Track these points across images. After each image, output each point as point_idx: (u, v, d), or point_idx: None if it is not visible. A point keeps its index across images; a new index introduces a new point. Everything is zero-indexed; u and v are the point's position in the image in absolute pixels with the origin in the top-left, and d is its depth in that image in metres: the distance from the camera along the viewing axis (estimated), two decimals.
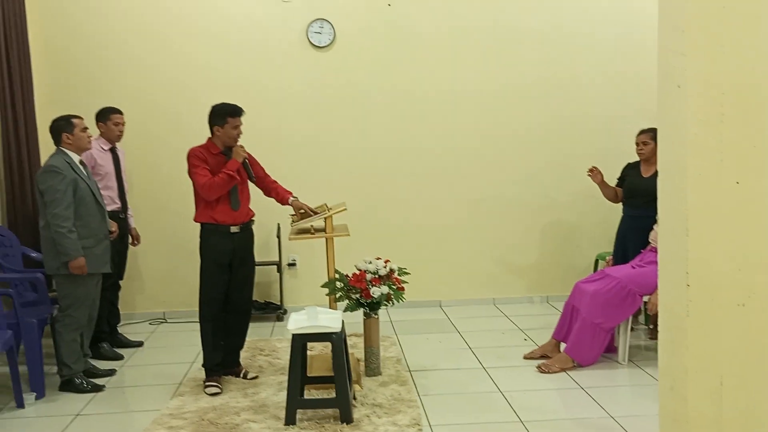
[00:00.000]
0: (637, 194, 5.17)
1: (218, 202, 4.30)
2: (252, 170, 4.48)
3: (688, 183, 2.32)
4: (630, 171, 5.36)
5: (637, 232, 5.11)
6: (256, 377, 4.57)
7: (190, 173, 4.30)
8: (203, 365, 4.44)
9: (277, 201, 4.64)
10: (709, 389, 2.39)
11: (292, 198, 4.57)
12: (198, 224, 4.41)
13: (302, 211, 4.51)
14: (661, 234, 2.56)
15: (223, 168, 4.27)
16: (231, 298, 4.44)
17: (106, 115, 5.23)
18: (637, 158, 5.29)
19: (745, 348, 2.37)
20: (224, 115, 4.32)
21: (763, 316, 2.35)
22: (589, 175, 5.36)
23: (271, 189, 4.63)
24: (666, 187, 2.50)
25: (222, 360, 4.46)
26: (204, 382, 4.40)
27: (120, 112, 5.28)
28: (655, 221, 4.32)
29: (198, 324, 4.43)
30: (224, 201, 4.32)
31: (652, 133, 5.01)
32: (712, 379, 2.38)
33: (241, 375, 4.57)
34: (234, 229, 4.36)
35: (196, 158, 4.30)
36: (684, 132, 2.32)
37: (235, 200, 4.35)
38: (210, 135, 4.39)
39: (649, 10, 5.33)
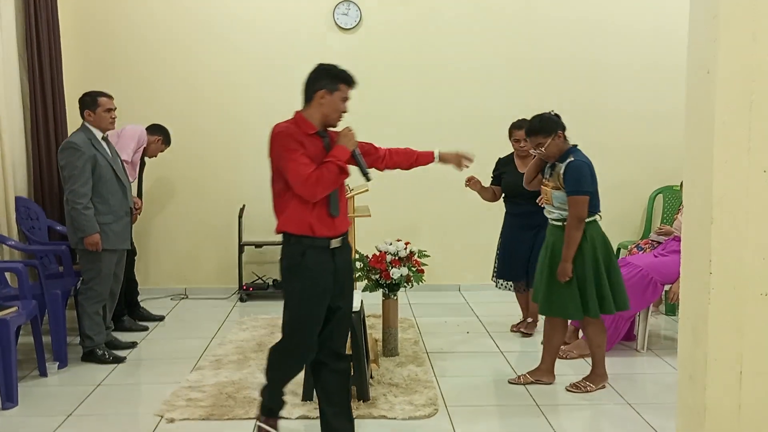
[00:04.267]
0: (518, 192, 4.68)
1: (314, 205, 3.08)
2: (364, 162, 3.26)
3: (715, 171, 2.29)
4: (506, 168, 4.95)
5: (526, 230, 4.82)
6: None
7: (283, 158, 3.02)
8: (263, 404, 3.35)
9: (422, 165, 3.56)
10: (728, 379, 2.37)
11: (437, 153, 3.53)
12: (279, 235, 3.16)
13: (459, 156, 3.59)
14: (686, 222, 2.54)
15: (328, 156, 3.08)
16: (325, 343, 3.22)
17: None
18: (507, 153, 4.98)
19: (767, 338, 2.34)
20: (337, 80, 3.13)
21: None
22: (468, 186, 4.84)
23: (401, 158, 3.50)
24: (691, 174, 2.47)
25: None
26: (260, 420, 3.36)
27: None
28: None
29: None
30: (321, 204, 3.09)
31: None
32: (732, 369, 2.36)
33: None
34: (335, 243, 3.15)
35: (292, 140, 3.03)
36: (712, 119, 2.29)
37: (335, 203, 3.13)
38: (303, 106, 3.17)
39: None
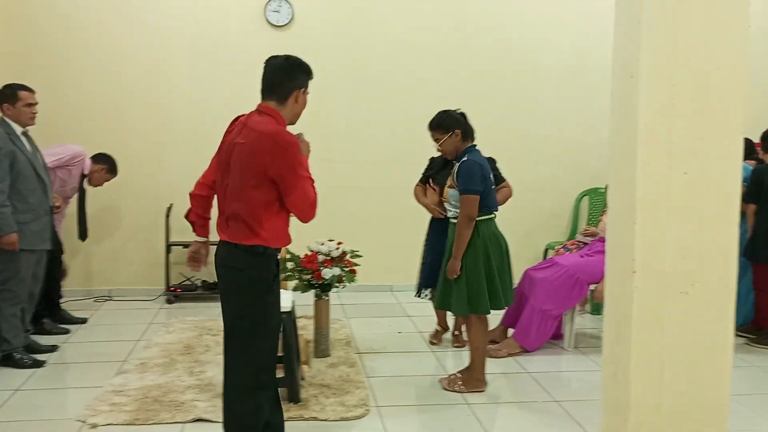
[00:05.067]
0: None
1: (289, 218, 2.94)
2: None
3: (638, 172, 2.36)
4: (439, 171, 4.67)
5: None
6: None
7: (294, 174, 2.76)
8: None
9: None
10: (651, 376, 2.44)
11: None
12: (244, 246, 2.80)
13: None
14: (610, 222, 2.60)
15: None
16: None
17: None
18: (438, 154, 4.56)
19: (688, 336, 2.42)
20: (309, 77, 2.95)
21: (706, 304, 2.41)
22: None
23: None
24: (615, 175, 2.54)
25: None
26: None
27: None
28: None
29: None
30: (286, 212, 2.90)
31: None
32: (655, 367, 2.43)
33: None
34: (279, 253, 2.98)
35: (299, 152, 2.81)
36: (635, 122, 2.35)
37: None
38: (270, 102, 2.87)
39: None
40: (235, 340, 2.85)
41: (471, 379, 4.06)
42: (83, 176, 5.28)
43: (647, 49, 2.31)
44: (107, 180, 5.45)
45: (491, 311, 3.99)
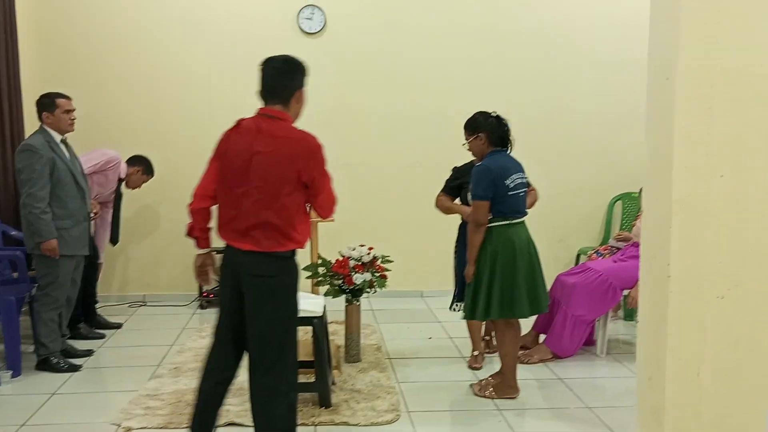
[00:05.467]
0: None
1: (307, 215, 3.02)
2: None
3: (674, 175, 2.33)
4: (466, 177, 4.37)
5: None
6: None
7: (324, 176, 2.91)
8: None
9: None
10: (686, 381, 2.41)
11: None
12: (276, 253, 2.87)
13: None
14: (645, 225, 2.57)
15: None
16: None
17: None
18: (464, 161, 4.56)
19: (723, 340, 2.38)
20: (304, 76, 3.00)
21: (743, 308, 2.36)
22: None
23: None
24: (651, 178, 2.51)
25: None
26: None
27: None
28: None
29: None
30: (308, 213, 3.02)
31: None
32: (690, 371, 2.40)
33: None
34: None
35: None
36: (671, 123, 2.32)
37: None
38: (275, 105, 2.93)
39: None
40: (267, 346, 2.87)
41: (503, 386, 4.03)
42: (120, 180, 5.36)
43: (684, 49, 2.28)
44: (144, 181, 5.53)
45: (506, 318, 3.94)
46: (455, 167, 4.71)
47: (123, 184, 5.43)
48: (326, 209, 2.94)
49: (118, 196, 5.42)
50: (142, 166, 5.47)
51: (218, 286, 3.04)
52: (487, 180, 3.81)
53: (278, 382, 2.89)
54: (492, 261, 3.86)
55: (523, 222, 4.00)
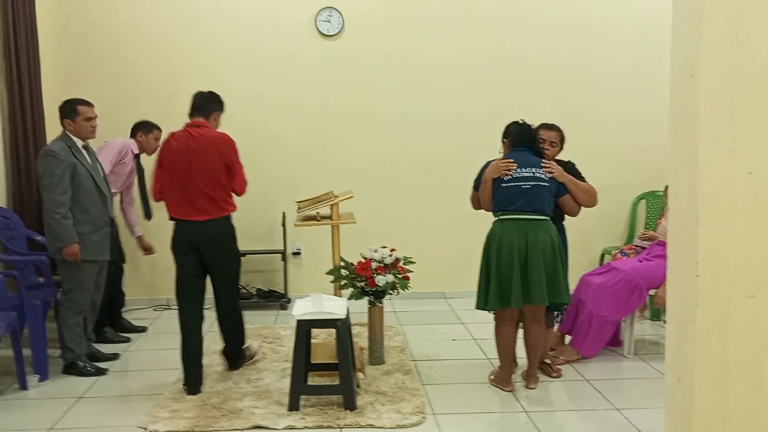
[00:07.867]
0: None
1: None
2: None
3: (700, 173, 2.29)
4: None
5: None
6: None
7: (238, 163, 4.19)
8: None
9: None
10: (716, 381, 2.37)
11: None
12: (221, 218, 4.16)
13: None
14: (672, 224, 2.53)
15: None
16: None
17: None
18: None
19: (754, 340, 2.34)
20: (221, 105, 4.40)
21: None
22: None
23: None
24: (676, 177, 2.47)
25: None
26: None
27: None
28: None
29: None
30: None
31: (560, 133, 4.31)
32: (720, 371, 2.36)
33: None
34: None
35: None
36: (696, 122, 2.29)
37: None
38: (200, 118, 4.21)
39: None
40: (225, 277, 4.25)
41: (498, 379, 4.20)
42: (136, 157, 5.37)
43: (708, 44, 2.24)
44: (156, 139, 5.41)
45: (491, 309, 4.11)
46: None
47: (139, 158, 5.42)
48: (241, 187, 4.20)
49: (139, 170, 5.42)
50: (143, 130, 5.41)
51: (176, 252, 4.16)
52: (480, 172, 4.19)
53: (235, 298, 4.37)
54: (487, 254, 4.07)
55: (531, 220, 3.97)
